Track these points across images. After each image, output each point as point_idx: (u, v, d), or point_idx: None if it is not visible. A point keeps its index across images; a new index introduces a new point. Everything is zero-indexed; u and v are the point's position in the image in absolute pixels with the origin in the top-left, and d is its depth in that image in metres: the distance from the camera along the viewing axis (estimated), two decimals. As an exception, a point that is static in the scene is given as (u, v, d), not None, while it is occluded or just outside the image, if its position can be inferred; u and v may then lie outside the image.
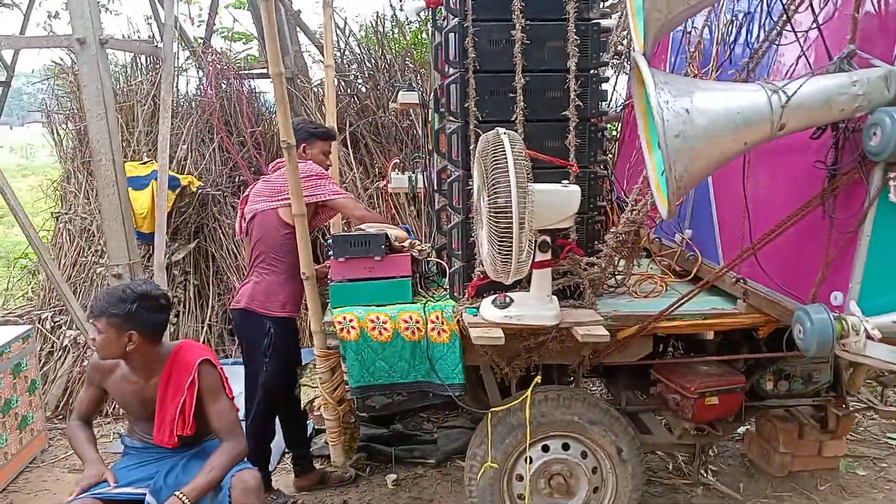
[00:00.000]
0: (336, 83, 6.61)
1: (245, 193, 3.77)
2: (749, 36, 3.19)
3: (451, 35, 2.85)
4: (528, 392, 2.88)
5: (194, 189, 5.54)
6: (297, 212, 3.02)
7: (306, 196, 3.31)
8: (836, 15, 2.49)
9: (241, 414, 4.02)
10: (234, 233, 5.79)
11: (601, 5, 2.88)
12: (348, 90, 6.48)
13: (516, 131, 2.83)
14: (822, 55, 2.55)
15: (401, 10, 8.32)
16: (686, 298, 2.97)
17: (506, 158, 2.46)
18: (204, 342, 5.53)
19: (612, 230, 2.93)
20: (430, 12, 3.36)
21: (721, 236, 3.42)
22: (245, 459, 2.83)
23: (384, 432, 4.39)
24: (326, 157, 3.76)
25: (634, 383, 3.67)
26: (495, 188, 2.49)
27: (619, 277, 3.32)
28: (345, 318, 2.97)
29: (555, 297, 2.82)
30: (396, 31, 6.97)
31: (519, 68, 2.85)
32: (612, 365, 3.37)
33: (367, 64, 6.67)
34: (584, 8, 2.85)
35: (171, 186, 5.29)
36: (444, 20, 3.23)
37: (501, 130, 2.54)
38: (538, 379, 2.91)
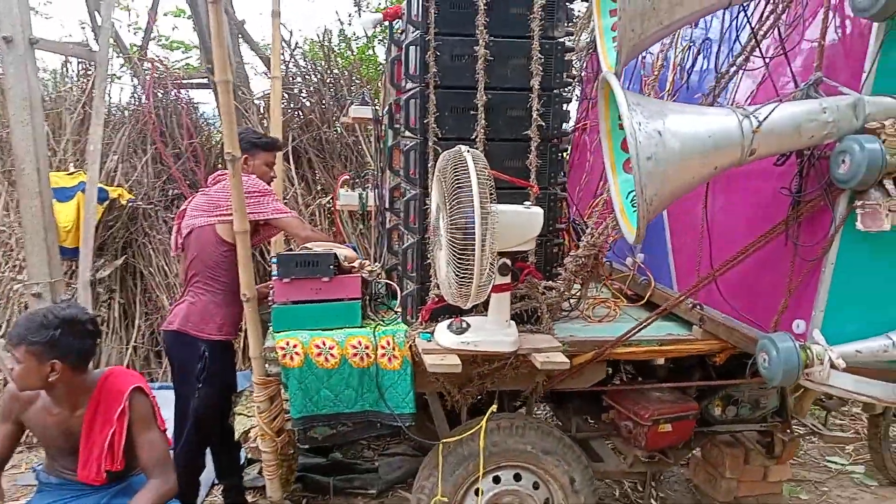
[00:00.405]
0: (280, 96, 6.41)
1: (182, 207, 3.56)
2: (706, 62, 3.18)
3: (412, 48, 2.73)
4: (484, 421, 2.74)
5: (124, 202, 5.24)
6: (238, 229, 2.83)
7: (248, 213, 3.12)
8: (802, 42, 2.48)
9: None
10: (166, 249, 5.49)
11: (565, 24, 2.80)
12: (292, 104, 6.29)
13: (477, 150, 2.72)
14: (786, 83, 2.54)
15: (349, 24, 8.22)
16: (644, 324, 2.90)
17: (468, 177, 2.34)
18: (129, 365, 5.19)
19: (571, 254, 2.84)
20: (387, 26, 3.23)
21: (675, 260, 3.38)
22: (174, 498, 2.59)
23: (322, 461, 4.17)
24: (270, 169, 3.58)
25: (584, 409, 3.58)
26: (456, 208, 2.36)
27: (572, 301, 3.23)
28: (288, 344, 2.77)
29: (513, 323, 2.70)
30: (343, 45, 6.84)
31: (481, 85, 2.75)
32: (562, 390, 3.27)
33: (313, 78, 6.50)
34: (549, 26, 2.77)
35: (100, 199, 4.97)
36: (401, 34, 3.11)
37: (464, 148, 2.42)
38: (494, 408, 2.78)
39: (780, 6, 2.44)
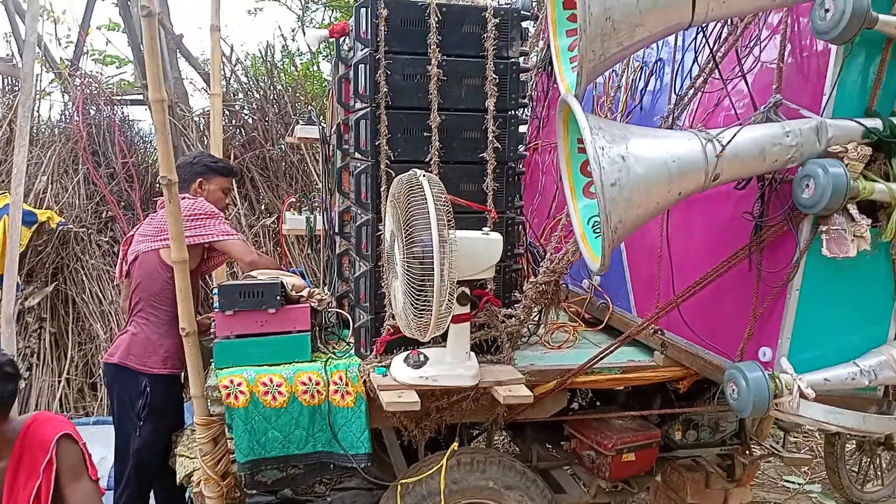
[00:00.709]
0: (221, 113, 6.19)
1: (130, 233, 3.39)
2: (659, 83, 3.14)
3: (362, 67, 2.59)
4: (444, 460, 2.60)
5: (53, 225, 4.93)
6: (176, 257, 2.63)
7: (191, 236, 2.94)
8: (759, 64, 2.44)
9: (108, 482, 3.50)
10: (99, 274, 5.20)
11: (520, 44, 2.71)
12: (234, 121, 6.07)
13: (430, 172, 2.59)
14: (743, 104, 2.49)
15: (292, 40, 8.03)
16: (606, 352, 2.81)
17: (424, 202, 2.21)
18: (61, 398, 4.88)
19: (531, 280, 2.74)
20: (332, 42, 3.09)
21: (632, 283, 3.32)
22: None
23: (271, 500, 3.96)
24: (226, 196, 3.42)
25: (542, 436, 3.49)
26: (412, 235, 2.23)
27: (530, 327, 3.13)
28: (232, 382, 2.58)
29: (473, 355, 2.57)
30: (287, 61, 6.65)
31: (434, 106, 2.63)
32: (522, 421, 3.16)
33: (255, 94, 6.30)
34: (503, 46, 2.68)
35: (27, 222, 4.67)
36: (349, 51, 2.98)
37: (419, 172, 2.30)
38: (455, 445, 2.64)
39: (739, 27, 2.40)
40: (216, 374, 2.65)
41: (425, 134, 2.66)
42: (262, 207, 6.03)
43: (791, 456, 3.82)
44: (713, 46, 2.40)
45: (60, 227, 4.97)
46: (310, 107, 3.51)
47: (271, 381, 2.61)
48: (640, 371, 2.93)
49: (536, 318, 3.06)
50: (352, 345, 2.92)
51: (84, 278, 5.10)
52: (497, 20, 2.65)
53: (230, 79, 6.39)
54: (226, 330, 2.71)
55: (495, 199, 2.73)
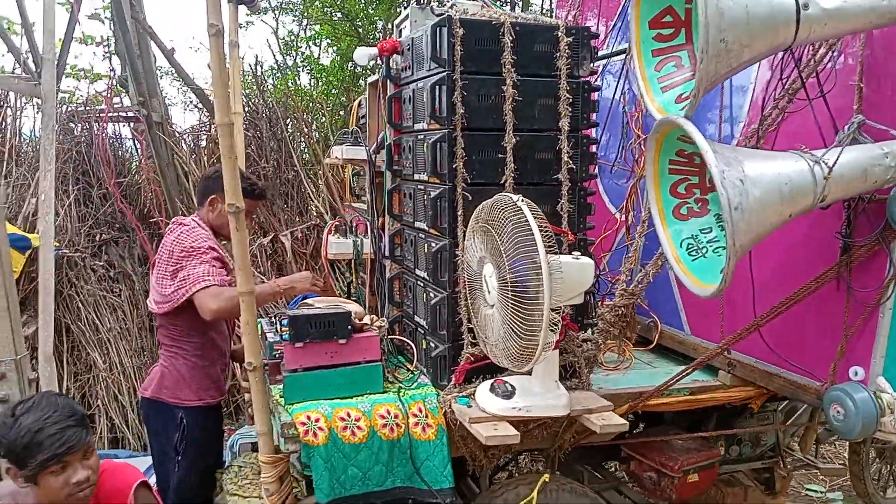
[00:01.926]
0: (211, 130, 6.00)
1: (153, 258, 3.26)
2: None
3: (438, 88, 2.50)
4: (535, 493, 2.52)
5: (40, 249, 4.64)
6: (242, 289, 2.49)
7: (166, 298, 2.84)
8: (837, 83, 2.45)
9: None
10: (96, 300, 4.94)
11: (590, 63, 2.67)
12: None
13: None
14: (822, 124, 2.50)
15: (283, 54, 7.85)
16: (681, 375, 2.78)
17: (525, 228, 2.14)
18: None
19: (607, 304, 2.69)
20: (383, 60, 2.99)
21: (683, 300, 3.30)
22: None
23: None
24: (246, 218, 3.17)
25: (589, 458, 3.44)
26: (515, 262, 2.16)
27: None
28: (309, 418, 2.45)
29: (560, 383, 2.50)
30: (277, 76, 6.48)
31: (510, 127, 2.56)
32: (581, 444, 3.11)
33: (245, 109, 6.11)
34: (574, 65, 2.63)
35: (20, 247, 4.41)
36: (404, 69, 2.89)
37: (515, 196, 2.22)
38: (546, 477, 2.56)
39: (824, 49, 2.41)
40: (287, 411, 2.51)
41: (499, 155, 2.58)
42: (256, 226, 5.85)
43: (827, 467, 3.88)
44: (800, 66, 2.40)
45: (55, 253, 4.68)
46: (355, 128, 3.36)
47: (349, 415, 2.49)
48: (709, 392, 2.92)
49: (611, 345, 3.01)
50: (415, 373, 2.82)
51: (80, 305, 4.84)
52: (569, 39, 2.60)
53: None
54: (295, 363, 2.57)
55: (569, 221, 2.67)
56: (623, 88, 3.76)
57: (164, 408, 2.97)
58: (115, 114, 5.31)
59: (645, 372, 3.15)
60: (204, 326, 2.98)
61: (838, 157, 2.15)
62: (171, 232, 2.97)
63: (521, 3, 7.56)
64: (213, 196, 3.01)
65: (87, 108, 5.39)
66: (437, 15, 2.85)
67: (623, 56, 3.73)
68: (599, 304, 3.07)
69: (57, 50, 3.21)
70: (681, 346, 3.28)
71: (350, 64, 7.96)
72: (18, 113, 5.30)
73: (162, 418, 3.00)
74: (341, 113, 8.15)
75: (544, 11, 7.73)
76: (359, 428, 2.48)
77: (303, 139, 6.49)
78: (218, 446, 3.17)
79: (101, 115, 5.49)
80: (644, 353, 3.39)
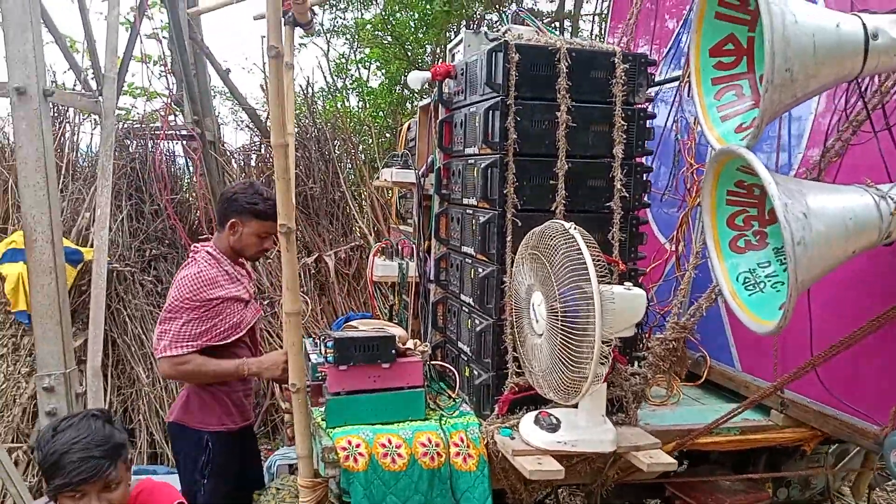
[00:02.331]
0: (261, 150, 6.09)
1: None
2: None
3: (491, 113, 2.49)
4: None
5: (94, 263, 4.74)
6: (289, 309, 2.49)
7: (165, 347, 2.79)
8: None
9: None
10: (143, 315, 5.02)
11: (646, 90, 2.63)
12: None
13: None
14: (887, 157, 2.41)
15: (333, 76, 7.98)
16: (734, 413, 2.68)
17: (577, 257, 2.10)
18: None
19: (658, 336, 2.62)
20: (436, 85, 3.00)
21: (734, 335, 3.20)
22: None
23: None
24: (262, 241, 3.00)
25: (633, 495, 3.34)
26: (565, 292, 2.11)
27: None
28: (350, 443, 2.43)
29: (607, 418, 2.43)
30: (327, 98, 6.57)
31: (562, 153, 2.53)
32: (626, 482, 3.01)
33: (296, 129, 6.19)
34: (630, 91, 2.59)
35: (73, 261, 4.51)
36: (458, 93, 2.88)
37: (567, 224, 2.18)
38: (591, 515, 2.49)
39: (891, 80, 2.33)
40: (328, 434, 2.49)
41: (551, 182, 2.55)
42: (302, 246, 5.90)
43: (883, 513, 3.70)
44: (865, 97, 2.32)
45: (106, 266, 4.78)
46: (404, 151, 3.37)
47: (390, 441, 2.46)
48: (760, 432, 2.81)
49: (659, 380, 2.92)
50: (457, 400, 2.78)
51: (126, 319, 4.91)
52: (626, 66, 2.57)
53: (269, 114, 6.29)
54: (338, 385, 2.55)
55: (620, 251, 2.62)
56: (675, 116, 3.71)
57: (190, 432, 2.95)
58: (171, 132, 5.42)
59: (693, 408, 3.05)
60: (225, 353, 2.96)
61: (906, 192, 2.06)
62: (186, 266, 2.91)
63: (571, 29, 7.56)
64: (232, 220, 2.92)
65: (143, 125, 5.53)
66: (491, 40, 2.85)
67: (676, 83, 3.68)
68: (647, 336, 2.99)
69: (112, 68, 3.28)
70: (730, 383, 3.17)
71: (398, 87, 8.05)
72: (76, 128, 5.46)
73: (187, 442, 2.97)
74: (387, 135, 8.23)
75: (594, 37, 7.72)
76: (399, 455, 2.44)
77: (349, 160, 6.55)
78: (242, 471, 3.12)
79: (157, 132, 5.62)
80: (691, 388, 3.29)
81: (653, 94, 2.93)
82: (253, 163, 6.03)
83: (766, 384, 2.88)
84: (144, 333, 4.94)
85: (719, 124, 2.30)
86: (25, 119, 2.50)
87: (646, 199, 2.69)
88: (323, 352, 2.68)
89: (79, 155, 5.35)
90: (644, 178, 2.67)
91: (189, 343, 2.79)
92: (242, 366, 2.88)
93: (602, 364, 2.16)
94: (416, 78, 3.01)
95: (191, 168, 6.00)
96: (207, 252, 2.95)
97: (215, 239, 3.02)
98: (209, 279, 2.85)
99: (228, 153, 5.89)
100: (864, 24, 1.96)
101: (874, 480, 3.87)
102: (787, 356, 2.81)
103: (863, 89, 2.32)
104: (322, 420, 2.60)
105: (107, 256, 4.71)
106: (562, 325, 2.11)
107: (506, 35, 2.68)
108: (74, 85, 5.28)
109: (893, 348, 2.37)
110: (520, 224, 2.51)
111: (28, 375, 4.34)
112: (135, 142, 5.56)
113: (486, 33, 2.96)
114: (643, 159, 2.68)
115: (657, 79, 3.76)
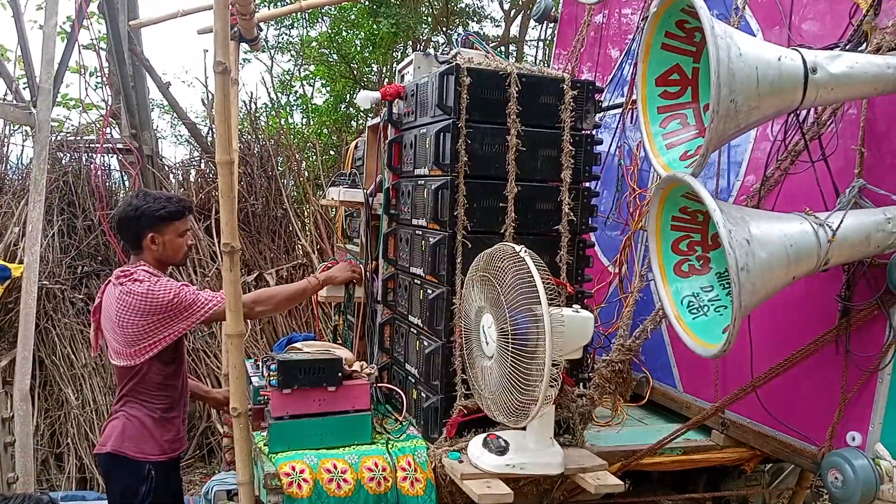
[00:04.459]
0: (200, 165, 5.96)
1: (97, 300, 2.86)
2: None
3: (442, 135, 2.49)
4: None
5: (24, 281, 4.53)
6: (231, 331, 2.43)
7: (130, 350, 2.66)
8: (838, 147, 2.47)
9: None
10: (73, 334, 4.81)
11: (594, 116, 2.67)
12: (215, 175, 5.82)
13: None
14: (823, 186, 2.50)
15: (277, 92, 7.87)
16: (676, 434, 2.73)
17: (528, 279, 2.11)
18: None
19: (604, 359, 2.64)
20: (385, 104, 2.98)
21: (675, 356, 3.26)
22: None
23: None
24: (185, 240, 2.86)
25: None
26: (516, 314, 2.11)
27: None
28: (294, 469, 2.36)
29: (554, 440, 2.44)
30: (271, 114, 6.48)
31: (512, 176, 2.54)
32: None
33: (238, 146, 6.08)
34: (578, 118, 2.63)
35: (0, 277, 4.29)
36: (407, 114, 2.88)
37: (518, 247, 2.19)
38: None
39: (828, 112, 2.43)
40: (271, 461, 2.42)
41: (500, 205, 2.56)
42: (243, 264, 5.77)
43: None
44: (804, 129, 2.42)
45: (34, 283, 4.57)
46: (352, 171, 3.34)
47: (335, 466, 2.40)
48: (702, 452, 2.86)
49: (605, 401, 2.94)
50: (404, 423, 2.74)
51: (56, 339, 4.70)
52: (574, 92, 2.61)
53: (211, 129, 6.17)
54: (282, 410, 2.49)
55: (567, 273, 2.64)
56: (619, 142, 3.79)
57: (129, 462, 2.75)
58: (108, 145, 5.23)
59: (637, 429, 3.09)
60: (175, 378, 2.84)
61: (842, 220, 2.15)
62: (125, 287, 2.66)
63: (515, 54, 7.67)
64: (150, 234, 2.74)
65: (78, 138, 5.33)
66: (442, 62, 2.86)
67: (619, 110, 3.77)
68: (591, 357, 3.02)
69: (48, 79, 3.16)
70: (673, 404, 3.23)
71: (343, 105, 8.01)
72: (6, 140, 5.23)
73: (125, 473, 2.77)
74: (332, 153, 8.16)
75: (538, 62, 7.85)
76: (345, 481, 2.39)
77: (292, 177, 6.47)
78: (179, 498, 3.00)
79: (92, 145, 5.43)
80: (635, 409, 3.33)
81: (600, 120, 2.98)
82: (192, 178, 5.89)
83: (708, 405, 2.95)
84: (74, 353, 4.74)
85: (665, 152, 2.36)
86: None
87: (592, 222, 2.72)
88: (266, 375, 2.61)
89: (8, 167, 5.12)
90: (590, 203, 2.70)
91: (209, 299, 2.69)
92: (314, 280, 3.04)
93: (551, 386, 2.17)
94: (365, 97, 3.00)
95: (126, 183, 5.81)
96: (142, 270, 2.74)
97: (136, 260, 2.80)
98: (164, 280, 2.71)
99: (167, 168, 5.73)
100: (804, 59, 2.04)
101: (807, 498, 3.99)
102: (727, 377, 2.88)
103: (801, 121, 2.41)
104: (264, 445, 2.53)
105: (37, 274, 4.52)
106: (512, 347, 2.11)
107: (456, 58, 2.70)
108: (5, 95, 5.07)
109: (830, 370, 2.45)
110: (470, 246, 2.51)
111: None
112: (68, 155, 5.35)
113: (436, 56, 2.97)
114: (590, 184, 2.72)
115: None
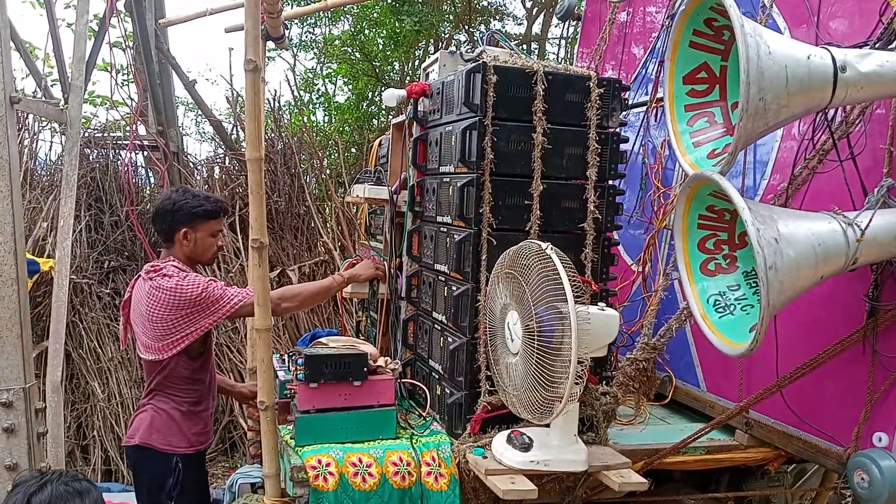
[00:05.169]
0: (226, 161, 6.02)
1: (126, 295, 2.92)
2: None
3: (469, 132, 2.50)
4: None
5: (55, 275, 4.60)
6: (259, 325, 2.46)
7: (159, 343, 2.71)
8: (866, 146, 2.45)
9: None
10: (99, 328, 4.88)
11: (620, 114, 2.68)
12: (243, 169, 5.87)
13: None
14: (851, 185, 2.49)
15: (299, 90, 7.93)
16: (700, 433, 2.72)
17: (554, 276, 2.12)
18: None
19: (629, 357, 2.64)
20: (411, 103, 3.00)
21: (699, 356, 3.26)
22: None
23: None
24: (215, 241, 2.93)
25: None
26: (541, 311, 2.12)
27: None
28: (320, 462, 2.39)
29: (578, 437, 2.44)
30: (294, 111, 6.53)
31: (537, 174, 2.55)
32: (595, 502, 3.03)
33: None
34: (604, 116, 2.64)
35: (29, 271, 4.35)
36: (433, 112, 2.90)
37: (545, 244, 2.20)
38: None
39: (857, 111, 2.42)
40: (298, 454, 2.45)
41: (526, 202, 2.57)
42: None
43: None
44: (832, 128, 2.40)
45: (62, 278, 4.64)
46: (377, 168, 3.36)
47: (360, 460, 2.43)
48: (726, 451, 2.85)
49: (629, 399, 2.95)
50: (427, 419, 2.76)
51: (82, 333, 4.78)
52: (600, 90, 2.61)
53: (234, 126, 6.23)
54: (308, 403, 2.52)
55: (592, 271, 2.65)
56: (642, 140, 3.79)
57: (157, 454, 2.81)
58: (137, 141, 5.30)
59: (660, 428, 3.09)
60: (202, 373, 2.90)
61: (871, 219, 2.13)
62: (155, 282, 2.70)
63: (537, 52, 7.66)
64: (183, 229, 2.81)
65: (105, 134, 5.41)
66: (467, 61, 2.87)
67: (643, 108, 3.76)
68: (614, 356, 3.03)
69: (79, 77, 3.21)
70: (696, 403, 3.22)
71: (365, 103, 8.05)
72: (35, 136, 5.32)
73: (154, 465, 2.84)
74: (353, 150, 8.20)
75: (560, 60, 7.84)
76: (370, 475, 2.42)
77: (314, 175, 6.51)
78: (205, 491, 3.04)
79: (119, 142, 5.50)
80: (657, 407, 3.33)
81: (626, 118, 2.98)
82: (216, 174, 5.95)
83: (731, 404, 2.94)
84: (101, 347, 4.81)
85: (692, 150, 2.36)
86: (-10, 125, 2.42)
87: (616, 220, 2.73)
88: (292, 369, 2.64)
89: (37, 163, 5.21)
90: (616, 201, 2.70)
91: (236, 293, 2.75)
92: (338, 278, 3.09)
93: (577, 384, 2.18)
94: (391, 95, 3.02)
95: (152, 179, 5.89)
96: (172, 265, 2.79)
97: (167, 255, 2.87)
98: (193, 276, 2.75)
99: (191, 164, 5.79)
100: (833, 57, 2.04)
101: (831, 500, 3.96)
102: (751, 377, 2.87)
103: (829, 119, 2.39)
104: (290, 438, 2.56)
105: (69, 268, 4.59)
106: (537, 344, 2.12)
107: (481, 56, 2.71)
108: (35, 92, 5.15)
109: (856, 370, 2.43)
110: (495, 243, 2.53)
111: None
112: (95, 151, 5.42)
113: (461, 54, 2.99)
114: (615, 181, 2.72)
115: (625, 103, 3.83)
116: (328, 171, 6.65)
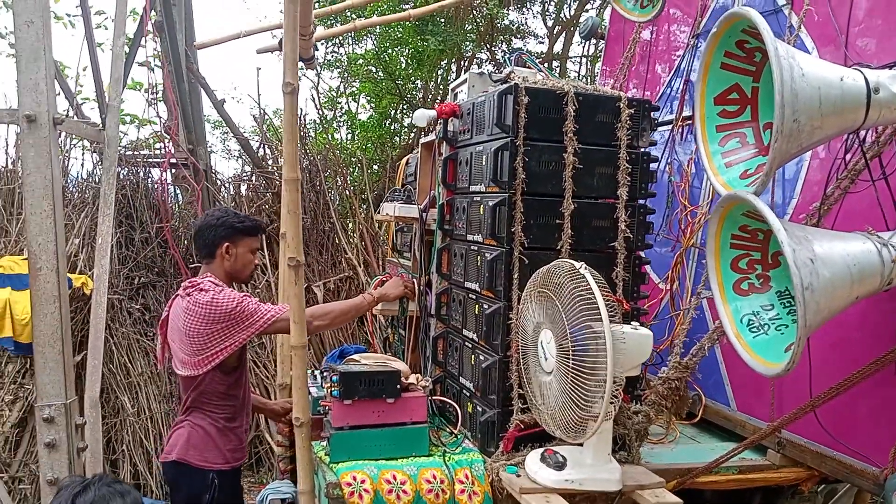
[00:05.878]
0: (254, 178, 6.10)
1: (164, 314, 2.97)
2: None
3: (500, 153, 2.54)
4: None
5: (88, 291, 4.69)
6: (295, 342, 2.50)
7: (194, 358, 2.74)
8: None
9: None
10: (130, 343, 4.95)
11: (650, 134, 2.70)
12: (269, 186, 5.95)
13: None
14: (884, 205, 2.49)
15: (324, 108, 8.03)
16: (733, 453, 2.71)
17: (588, 296, 2.14)
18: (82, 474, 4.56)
19: (660, 375, 2.65)
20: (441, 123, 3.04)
21: (729, 374, 3.25)
22: None
23: None
24: (254, 258, 3.00)
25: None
26: (575, 330, 2.14)
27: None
28: (355, 479, 2.42)
29: (612, 457, 2.45)
30: (318, 129, 6.62)
31: (568, 193, 2.58)
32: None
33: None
34: (634, 135, 2.66)
35: (62, 287, 4.45)
36: (463, 132, 2.93)
37: (578, 263, 2.22)
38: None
39: (889, 131, 2.42)
40: (332, 470, 2.48)
41: (557, 221, 2.60)
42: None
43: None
44: (864, 148, 2.41)
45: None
46: (406, 186, 3.41)
47: (395, 478, 2.45)
48: (758, 471, 2.84)
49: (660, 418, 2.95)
50: (458, 436, 2.78)
51: (113, 348, 4.84)
52: (631, 110, 2.64)
53: (261, 143, 6.32)
54: (342, 420, 2.55)
55: (624, 290, 2.66)
56: (668, 159, 3.80)
57: (194, 471, 2.85)
58: (169, 160, 5.40)
59: (690, 447, 3.09)
60: (236, 389, 2.93)
61: (906, 240, 2.13)
62: (192, 298, 2.75)
63: (559, 70, 7.72)
64: (225, 244, 2.88)
65: (135, 152, 5.52)
66: (496, 81, 2.92)
67: (668, 127, 3.78)
68: (643, 374, 3.03)
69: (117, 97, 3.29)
70: (726, 422, 3.22)
71: (388, 121, 8.13)
72: (67, 153, 5.43)
73: (191, 481, 2.87)
74: (375, 167, 8.28)
75: (581, 79, 7.88)
76: (404, 492, 2.44)
77: (339, 192, 6.58)
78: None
79: (150, 160, 5.61)
80: (687, 426, 3.32)
81: (656, 138, 3.00)
82: (243, 192, 6.03)
83: (762, 423, 2.93)
84: (131, 362, 4.88)
85: (724, 171, 2.37)
86: (34, 147, 2.48)
87: (647, 239, 2.74)
88: (325, 385, 2.67)
89: (68, 181, 5.31)
90: (646, 220, 2.72)
91: (269, 309, 2.77)
92: (368, 297, 3.11)
93: (611, 403, 2.19)
94: (421, 115, 3.07)
95: (180, 196, 5.98)
96: (210, 281, 2.84)
97: (206, 270, 2.92)
98: (230, 291, 2.81)
99: (219, 182, 5.88)
100: (866, 79, 2.05)
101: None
102: (783, 396, 2.86)
103: (861, 139, 2.40)
104: (325, 455, 2.59)
105: (107, 285, 4.68)
106: (573, 363, 2.14)
107: (510, 77, 2.75)
108: (66, 111, 5.27)
109: (891, 390, 2.43)
110: (526, 261, 2.55)
111: (12, 403, 4.25)
112: (125, 169, 5.52)
113: (490, 75, 3.03)
114: (645, 200, 2.74)
115: (651, 122, 3.85)
116: (352, 188, 6.71)
